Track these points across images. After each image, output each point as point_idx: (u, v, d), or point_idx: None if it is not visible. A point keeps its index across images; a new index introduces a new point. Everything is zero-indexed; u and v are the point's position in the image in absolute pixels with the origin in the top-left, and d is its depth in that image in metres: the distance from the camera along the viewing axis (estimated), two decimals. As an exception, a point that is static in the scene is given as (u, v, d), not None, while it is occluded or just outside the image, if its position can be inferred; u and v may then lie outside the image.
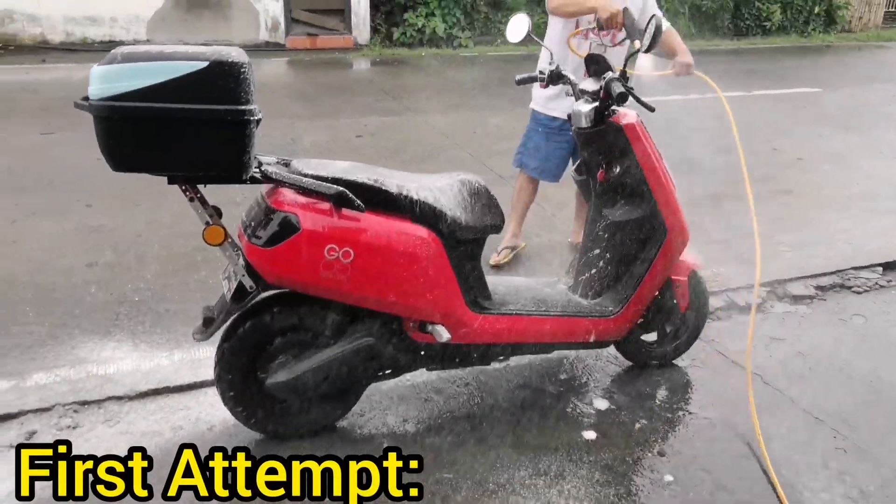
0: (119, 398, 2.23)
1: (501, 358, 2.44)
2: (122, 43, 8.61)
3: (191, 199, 1.79)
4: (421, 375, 2.43)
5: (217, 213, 1.85)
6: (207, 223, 1.81)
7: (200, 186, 1.80)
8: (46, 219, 3.59)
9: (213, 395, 2.27)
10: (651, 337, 2.56)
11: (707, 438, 2.22)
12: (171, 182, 1.75)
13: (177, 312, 2.77)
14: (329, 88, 7.38)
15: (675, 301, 2.45)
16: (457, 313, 2.04)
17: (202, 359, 2.43)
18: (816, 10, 12.46)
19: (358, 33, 9.84)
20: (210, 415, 2.20)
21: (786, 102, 7.09)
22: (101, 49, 8.41)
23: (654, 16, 2.13)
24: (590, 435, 2.22)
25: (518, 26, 2.50)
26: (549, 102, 3.10)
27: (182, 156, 1.66)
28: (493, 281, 2.27)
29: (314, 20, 9.79)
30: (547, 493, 1.97)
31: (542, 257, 3.45)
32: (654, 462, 2.11)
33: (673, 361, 2.60)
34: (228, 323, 1.96)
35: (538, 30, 2.56)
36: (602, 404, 2.37)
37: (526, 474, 2.03)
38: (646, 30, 2.14)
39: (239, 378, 1.99)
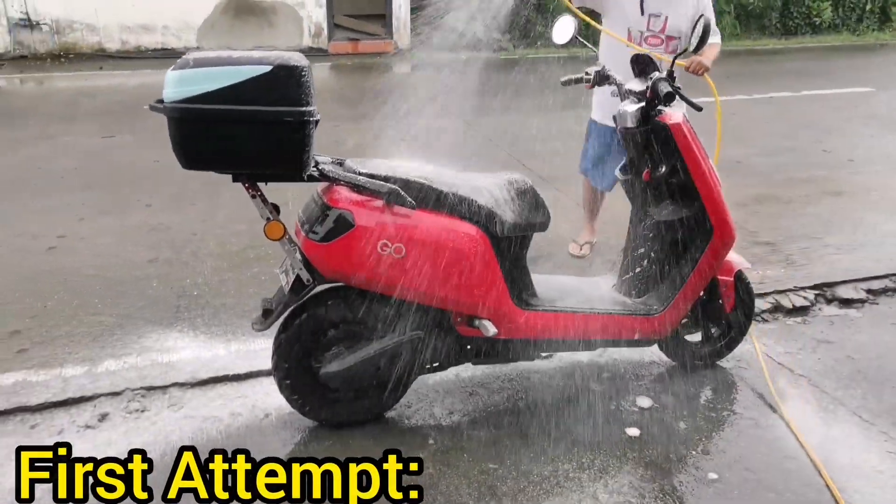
0: (182, 385, 2.36)
1: (545, 354, 2.50)
2: (174, 50, 8.94)
3: (253, 197, 1.89)
4: (467, 370, 2.49)
5: (275, 209, 1.95)
6: (268, 219, 1.91)
7: (261, 185, 1.91)
8: (110, 217, 3.78)
9: (268, 385, 2.38)
10: (695, 337, 2.57)
11: (751, 438, 2.23)
12: (235, 180, 1.86)
13: (233, 306, 2.90)
14: (371, 92, 7.50)
15: (720, 301, 2.45)
16: (503, 309, 2.10)
17: (257, 350, 2.54)
18: (870, 6, 12.07)
19: (399, 38, 9.97)
20: (265, 403, 2.31)
21: (836, 103, 6.92)
22: (153, 56, 8.76)
23: (702, 16, 2.15)
24: (633, 432, 2.24)
25: (564, 28, 2.55)
26: (606, 113, 3.03)
27: (247, 154, 1.76)
28: (537, 279, 2.32)
29: (356, 25, 9.96)
30: (591, 487, 2.00)
31: (580, 259, 3.48)
32: (698, 460, 2.13)
33: (717, 362, 2.60)
34: (286, 314, 2.06)
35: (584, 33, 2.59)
36: (646, 402, 2.39)
37: (570, 468, 2.07)
38: (693, 30, 2.16)
39: (295, 367, 2.08)
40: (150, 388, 2.34)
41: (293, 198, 2.17)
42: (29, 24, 8.55)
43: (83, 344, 2.59)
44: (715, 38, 2.85)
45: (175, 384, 2.36)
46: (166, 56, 8.75)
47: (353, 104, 6.80)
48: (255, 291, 2.99)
